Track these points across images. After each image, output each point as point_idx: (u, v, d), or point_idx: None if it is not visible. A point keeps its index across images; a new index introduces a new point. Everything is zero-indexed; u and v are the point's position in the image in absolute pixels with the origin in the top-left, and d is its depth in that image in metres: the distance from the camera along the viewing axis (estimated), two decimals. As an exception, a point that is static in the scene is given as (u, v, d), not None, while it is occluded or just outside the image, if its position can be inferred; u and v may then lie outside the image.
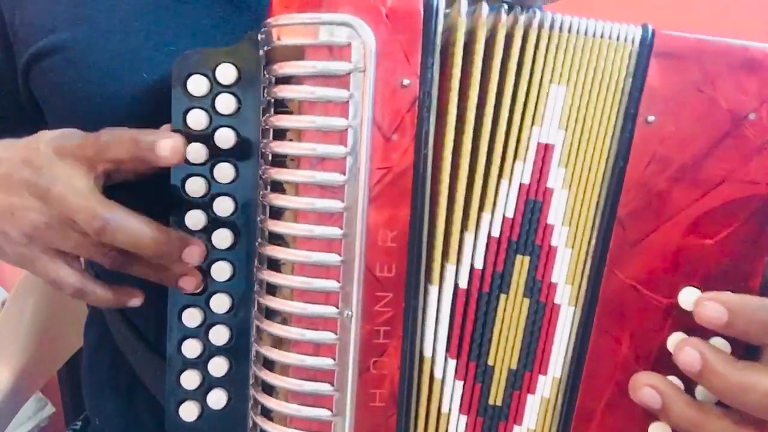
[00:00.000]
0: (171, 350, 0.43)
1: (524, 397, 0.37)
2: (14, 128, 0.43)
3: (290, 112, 0.36)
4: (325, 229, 0.35)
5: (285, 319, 0.37)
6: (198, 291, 0.42)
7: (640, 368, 0.35)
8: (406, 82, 0.34)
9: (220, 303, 0.42)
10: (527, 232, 0.36)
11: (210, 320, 0.42)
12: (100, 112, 0.44)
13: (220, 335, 0.43)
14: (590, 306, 0.36)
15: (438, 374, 0.37)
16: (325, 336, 0.36)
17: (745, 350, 0.34)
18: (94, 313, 0.59)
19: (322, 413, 0.37)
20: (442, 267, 0.36)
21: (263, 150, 0.38)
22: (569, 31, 0.34)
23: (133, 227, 0.38)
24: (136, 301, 0.43)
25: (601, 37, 0.35)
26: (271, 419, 0.38)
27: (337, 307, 0.36)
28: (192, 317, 0.43)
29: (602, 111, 0.35)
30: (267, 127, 0.37)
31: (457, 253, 0.36)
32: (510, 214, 0.36)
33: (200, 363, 0.43)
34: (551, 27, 0.35)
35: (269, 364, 0.38)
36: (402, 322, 0.36)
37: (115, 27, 0.45)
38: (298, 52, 0.35)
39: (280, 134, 0.36)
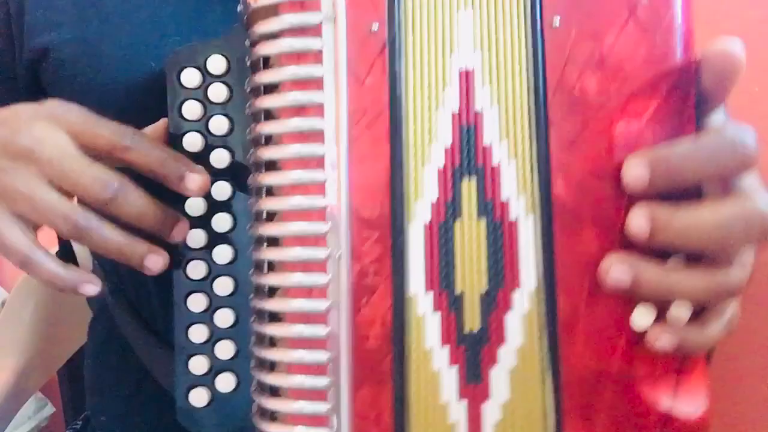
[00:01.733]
0: (178, 337, 0.44)
1: (501, 316, 0.38)
2: None
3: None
4: (309, 173, 0.37)
5: (279, 269, 0.38)
6: (202, 276, 0.44)
7: None
8: (374, 27, 0.36)
9: (224, 285, 0.44)
10: (467, 156, 0.37)
11: (215, 304, 0.44)
12: (110, 101, 0.47)
13: (225, 318, 0.44)
14: (546, 211, 0.37)
15: (420, 311, 0.38)
16: (317, 278, 0.37)
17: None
18: (100, 310, 0.60)
19: (320, 356, 0.38)
20: (415, 204, 0.37)
21: (249, 111, 0.39)
22: None
23: (140, 199, 0.39)
24: (91, 288, 0.40)
25: None
26: (271, 370, 0.39)
27: (326, 248, 0.37)
28: (197, 302, 0.44)
29: (511, 26, 0.36)
30: (251, 86, 0.39)
31: (423, 189, 0.37)
32: (449, 143, 0.37)
33: (207, 348, 0.44)
34: None
35: (265, 317, 0.39)
36: (390, 261, 0.37)
37: (122, 19, 0.48)
38: (273, 12, 0.37)
39: (265, 91, 0.38)
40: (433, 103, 0.37)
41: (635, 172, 0.34)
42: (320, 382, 0.38)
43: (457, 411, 0.39)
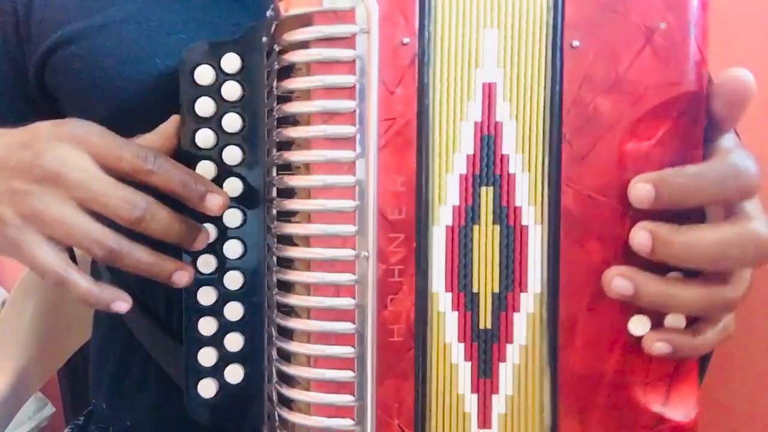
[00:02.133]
0: (187, 329, 0.45)
1: (510, 316, 0.41)
2: (27, 121, 0.45)
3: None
4: (339, 177, 0.39)
5: (303, 267, 0.40)
6: (212, 270, 0.45)
7: None
8: (405, 40, 0.38)
9: (234, 279, 0.45)
10: (487, 164, 0.39)
11: (225, 297, 0.45)
12: (116, 97, 0.47)
13: (234, 311, 0.45)
14: (555, 221, 0.39)
15: (441, 308, 0.40)
16: (345, 277, 0.39)
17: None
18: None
19: (345, 350, 0.39)
20: (439, 209, 0.40)
21: (275, 114, 0.41)
22: None
23: (167, 217, 0.40)
24: (123, 306, 0.42)
25: None
26: (292, 363, 0.41)
27: (354, 249, 0.39)
28: (207, 295, 0.45)
29: (533, 45, 0.39)
30: (276, 92, 0.40)
31: (446, 195, 0.40)
32: (471, 151, 0.39)
33: (217, 339, 0.45)
34: None
35: (289, 311, 0.41)
36: (414, 261, 0.39)
37: (127, 16, 0.49)
38: (305, 21, 0.39)
39: (290, 98, 0.40)
40: (458, 115, 0.39)
41: (642, 191, 0.36)
42: (346, 375, 0.40)
43: (470, 402, 0.41)
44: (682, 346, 0.38)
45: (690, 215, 0.37)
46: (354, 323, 0.39)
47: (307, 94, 0.39)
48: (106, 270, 0.54)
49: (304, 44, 0.39)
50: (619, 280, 0.37)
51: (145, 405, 0.56)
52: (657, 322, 0.39)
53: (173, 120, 0.44)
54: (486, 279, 0.40)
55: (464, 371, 0.41)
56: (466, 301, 0.41)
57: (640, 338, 0.39)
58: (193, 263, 0.44)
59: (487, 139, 0.39)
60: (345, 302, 0.39)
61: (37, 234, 0.39)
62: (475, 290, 0.41)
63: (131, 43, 0.48)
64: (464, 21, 0.39)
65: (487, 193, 0.40)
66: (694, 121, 0.38)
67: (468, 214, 0.40)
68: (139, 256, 0.40)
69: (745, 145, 0.39)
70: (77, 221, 0.39)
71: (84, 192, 0.38)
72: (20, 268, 0.62)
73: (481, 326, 0.41)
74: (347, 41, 0.38)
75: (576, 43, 0.38)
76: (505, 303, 0.41)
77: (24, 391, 0.67)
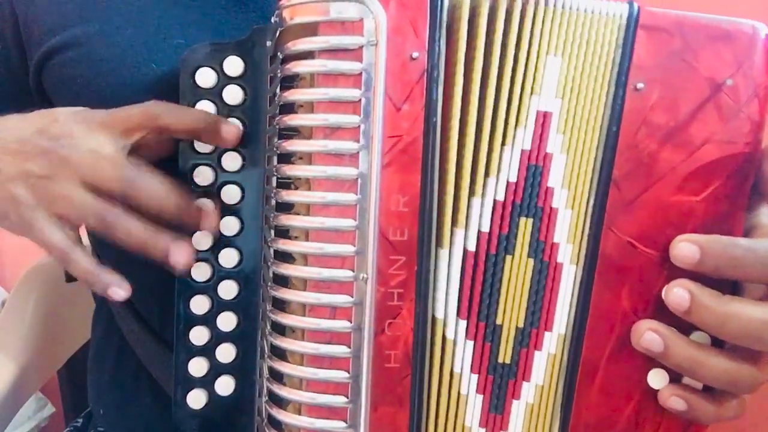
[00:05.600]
0: (178, 338, 0.44)
1: (531, 353, 0.39)
2: None
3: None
4: (339, 195, 0.37)
5: (299, 285, 0.38)
6: (206, 279, 0.43)
7: (638, 320, 0.38)
8: (415, 54, 0.36)
9: (228, 289, 0.44)
10: (530, 195, 0.38)
11: (218, 307, 0.44)
12: (112, 103, 0.46)
13: (228, 322, 0.44)
14: (591, 263, 0.38)
15: (450, 335, 0.39)
16: (342, 299, 0.37)
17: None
18: (101, 303, 0.60)
19: (339, 375, 0.38)
20: (452, 231, 0.38)
21: (276, 125, 0.39)
22: (563, 6, 0.37)
23: (160, 188, 0.40)
24: (119, 293, 0.41)
25: (592, 12, 0.37)
26: (284, 383, 0.39)
27: (353, 271, 0.37)
28: (200, 305, 0.44)
29: (595, 80, 0.37)
30: (279, 102, 0.39)
31: (466, 218, 0.38)
32: (513, 179, 0.38)
33: (208, 350, 0.44)
34: (546, 2, 0.37)
35: (283, 330, 0.39)
36: (415, 285, 0.38)
37: (125, 21, 0.47)
38: (311, 30, 0.37)
39: (291, 109, 0.38)
40: (498, 138, 0.37)
41: (686, 250, 0.35)
42: (339, 400, 0.38)
43: (478, 437, 0.39)
44: (697, 408, 0.37)
45: (724, 282, 0.36)
46: (349, 347, 0.38)
47: (310, 106, 0.37)
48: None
49: (308, 54, 0.37)
50: (651, 335, 0.36)
51: (140, 413, 0.55)
52: (676, 378, 0.38)
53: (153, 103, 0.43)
54: (512, 312, 0.39)
55: (474, 403, 0.40)
56: (487, 331, 0.39)
57: (655, 392, 0.38)
58: (188, 272, 0.43)
59: (534, 169, 0.38)
60: (341, 325, 0.38)
61: (46, 213, 0.40)
62: (498, 322, 0.39)
63: (128, 48, 0.47)
64: (522, 44, 0.37)
65: (526, 224, 0.38)
66: (743, 183, 0.37)
67: (501, 243, 0.38)
68: (132, 227, 0.39)
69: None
70: (77, 197, 0.39)
71: (85, 169, 0.39)
72: (20, 268, 0.62)
73: (500, 360, 0.40)
74: (354, 53, 0.36)
75: (640, 85, 0.37)
76: (527, 339, 0.39)
77: (24, 389, 0.67)
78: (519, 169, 0.38)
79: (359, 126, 0.36)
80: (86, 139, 0.40)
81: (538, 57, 0.37)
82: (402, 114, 0.37)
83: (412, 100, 0.37)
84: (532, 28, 0.37)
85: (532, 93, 0.37)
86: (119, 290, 0.40)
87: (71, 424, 0.62)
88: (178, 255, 0.40)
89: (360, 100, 0.36)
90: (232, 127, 0.41)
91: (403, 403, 0.39)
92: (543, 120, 0.37)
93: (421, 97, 0.37)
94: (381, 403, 0.38)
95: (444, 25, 0.37)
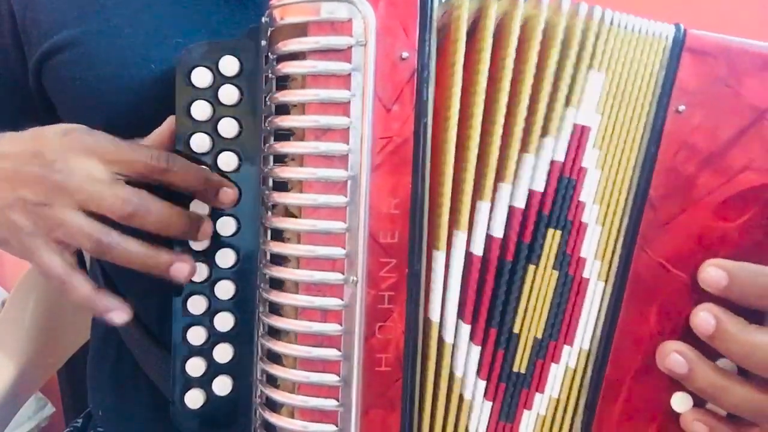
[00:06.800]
0: (176, 338, 0.44)
1: (548, 365, 0.39)
2: (26, 125, 0.44)
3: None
4: (329, 197, 0.37)
5: (292, 288, 0.38)
6: (203, 279, 0.43)
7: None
8: (405, 54, 0.36)
9: (225, 289, 0.43)
10: (560, 207, 0.38)
11: (215, 307, 0.44)
12: (111, 103, 0.46)
13: (225, 321, 0.44)
14: (621, 282, 0.38)
15: (448, 338, 0.38)
16: (332, 302, 0.37)
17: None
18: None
19: (330, 378, 0.38)
20: (450, 234, 0.37)
21: (268, 126, 0.39)
22: (611, 23, 0.37)
23: (164, 209, 0.40)
24: (120, 317, 0.41)
25: (639, 31, 0.37)
26: (277, 387, 0.39)
27: (343, 274, 0.37)
28: (197, 304, 0.44)
29: (637, 99, 0.37)
30: (271, 103, 0.38)
31: (469, 221, 0.37)
32: (539, 188, 0.37)
33: (205, 350, 0.44)
34: (592, 16, 0.37)
35: (275, 333, 0.39)
36: (406, 287, 0.37)
37: (123, 21, 0.47)
38: (301, 30, 0.37)
39: (285, 110, 0.38)
40: (515, 145, 0.37)
41: (713, 275, 0.35)
42: (330, 403, 0.38)
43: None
44: None
45: (754, 312, 0.36)
46: (340, 350, 0.37)
47: (302, 107, 0.37)
48: (101, 277, 0.54)
49: (299, 55, 0.37)
50: (676, 357, 0.36)
51: (139, 414, 0.55)
52: (700, 403, 0.38)
53: (168, 122, 0.43)
54: (531, 322, 0.39)
55: (482, 409, 0.40)
56: (501, 339, 0.39)
57: (678, 416, 0.38)
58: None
59: (567, 182, 0.38)
60: (331, 328, 0.37)
61: (45, 240, 0.40)
62: (515, 330, 0.39)
63: (126, 48, 0.47)
64: (563, 55, 0.37)
65: (554, 236, 0.38)
66: None
67: (522, 251, 0.38)
68: (131, 248, 0.40)
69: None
70: (73, 221, 0.39)
71: (83, 195, 0.39)
72: (20, 268, 0.62)
73: (515, 368, 0.39)
74: (343, 54, 0.36)
75: (682, 108, 0.37)
76: (545, 351, 0.39)
77: (24, 389, 0.67)
78: (548, 180, 0.37)
79: (348, 128, 0.36)
80: (80, 163, 0.39)
81: (578, 69, 0.37)
82: (392, 115, 0.36)
83: (402, 100, 0.36)
84: (583, 41, 0.37)
85: (568, 104, 0.37)
86: (119, 314, 0.41)
87: (71, 425, 0.62)
88: (180, 272, 0.41)
89: (349, 100, 0.36)
90: (230, 192, 0.42)
91: (394, 407, 0.38)
92: (580, 133, 0.37)
93: (411, 97, 0.36)
94: (372, 407, 0.38)
95: (434, 25, 0.36)
